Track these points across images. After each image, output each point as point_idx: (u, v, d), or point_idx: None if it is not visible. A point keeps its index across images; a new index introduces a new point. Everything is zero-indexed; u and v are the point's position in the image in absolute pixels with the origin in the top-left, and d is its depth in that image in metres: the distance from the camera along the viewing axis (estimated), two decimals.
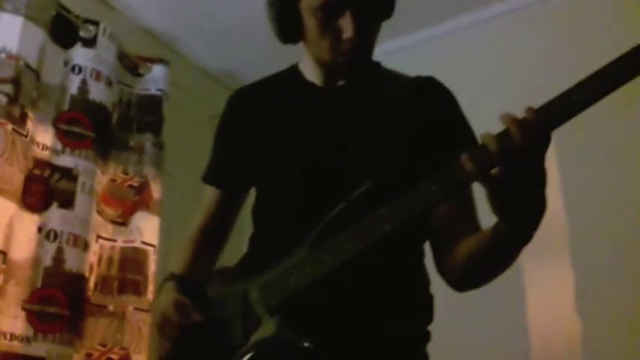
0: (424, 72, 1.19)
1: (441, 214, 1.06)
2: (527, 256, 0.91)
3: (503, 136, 0.78)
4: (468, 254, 0.99)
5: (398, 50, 2.53)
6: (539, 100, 0.83)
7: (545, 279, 2.15)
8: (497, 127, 0.83)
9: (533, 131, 0.77)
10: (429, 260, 1.11)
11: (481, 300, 1.33)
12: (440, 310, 1.10)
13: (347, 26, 1.02)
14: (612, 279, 2.03)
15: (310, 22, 1.05)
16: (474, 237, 0.99)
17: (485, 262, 0.97)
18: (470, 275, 1.02)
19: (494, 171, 0.79)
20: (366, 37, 1.06)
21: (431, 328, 1.07)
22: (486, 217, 1.02)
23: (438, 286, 1.10)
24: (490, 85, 2.47)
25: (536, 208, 0.84)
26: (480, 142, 0.82)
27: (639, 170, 2.09)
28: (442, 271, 1.07)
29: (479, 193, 1.04)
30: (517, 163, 0.78)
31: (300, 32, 1.09)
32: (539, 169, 0.81)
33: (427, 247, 1.12)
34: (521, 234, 0.87)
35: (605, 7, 2.32)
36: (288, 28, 1.09)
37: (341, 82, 1.14)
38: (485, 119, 1.23)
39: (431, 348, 1.06)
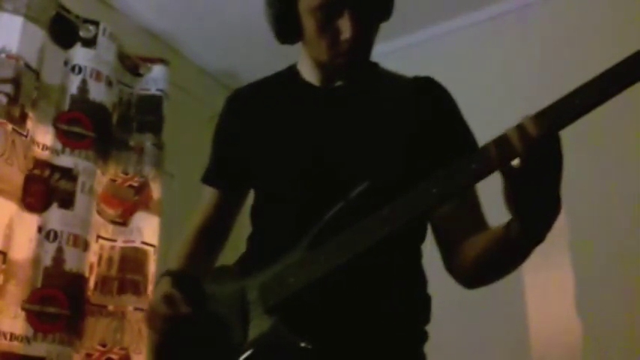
0: (423, 72, 1.19)
1: (448, 213, 1.06)
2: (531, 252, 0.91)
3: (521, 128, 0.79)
4: (479, 252, 0.98)
5: (398, 50, 2.53)
6: (537, 100, 0.83)
7: (545, 280, 2.15)
8: (496, 127, 0.83)
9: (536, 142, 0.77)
10: (426, 261, 1.11)
11: (481, 300, 1.33)
12: (440, 310, 1.10)
13: (345, 27, 1.02)
14: (612, 279, 2.03)
15: (309, 23, 1.05)
16: (483, 235, 0.99)
17: (497, 261, 0.97)
18: (480, 273, 1.02)
19: (514, 163, 0.79)
20: (365, 37, 1.06)
21: (431, 328, 1.07)
22: (491, 217, 1.03)
23: (437, 286, 1.10)
24: (489, 85, 2.47)
25: (551, 207, 0.83)
26: (479, 143, 0.82)
27: (639, 170, 2.09)
28: (450, 269, 1.07)
29: (482, 193, 1.04)
30: (539, 155, 0.78)
31: (298, 32, 1.08)
32: (557, 166, 0.80)
33: (425, 247, 1.12)
34: (534, 233, 0.86)
35: (603, 8, 2.32)
36: (286, 28, 1.09)
37: (339, 83, 1.14)
38: (484, 119, 1.24)
39: (431, 348, 1.06)
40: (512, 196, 0.83)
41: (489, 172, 0.82)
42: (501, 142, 0.80)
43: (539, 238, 0.87)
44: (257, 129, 1.16)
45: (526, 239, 0.88)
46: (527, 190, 0.81)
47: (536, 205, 0.83)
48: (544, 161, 0.79)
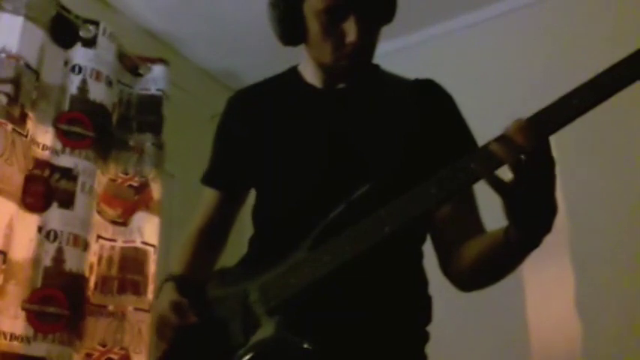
0: (424, 72, 1.19)
1: (445, 216, 1.06)
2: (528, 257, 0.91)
3: (505, 139, 0.78)
4: (475, 256, 0.99)
5: (398, 50, 2.53)
6: (537, 100, 0.83)
7: (545, 279, 2.15)
8: (497, 127, 0.83)
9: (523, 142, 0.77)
10: (426, 261, 1.11)
11: (481, 300, 1.33)
12: (440, 310, 1.10)
13: (351, 30, 1.01)
14: (612, 279, 2.03)
15: (313, 25, 1.05)
16: (480, 239, 0.99)
17: (494, 265, 0.97)
18: (477, 277, 1.02)
19: (507, 178, 0.79)
20: (369, 40, 1.06)
21: (431, 328, 1.07)
22: (490, 219, 1.03)
23: (438, 286, 1.10)
24: (489, 85, 2.47)
25: (548, 212, 0.84)
26: (480, 144, 0.82)
27: (639, 170, 2.09)
28: (447, 272, 1.07)
29: (481, 195, 1.04)
30: (525, 167, 0.78)
31: (302, 34, 1.08)
32: (549, 172, 0.80)
33: (425, 248, 1.12)
34: (532, 238, 0.86)
35: (603, 8, 2.32)
36: (290, 30, 1.09)
37: (341, 85, 1.14)
38: (484, 119, 1.24)
39: (431, 348, 1.06)
40: (508, 204, 0.82)
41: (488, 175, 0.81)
42: (485, 154, 0.80)
43: (534, 244, 0.87)
44: (259, 130, 1.16)
45: (523, 244, 0.88)
46: (522, 199, 0.81)
47: (533, 212, 0.83)
48: (535, 170, 0.79)
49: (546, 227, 0.85)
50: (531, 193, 0.80)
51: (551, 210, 0.84)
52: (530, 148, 0.77)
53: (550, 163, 0.80)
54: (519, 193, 0.80)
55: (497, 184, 0.80)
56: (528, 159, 0.78)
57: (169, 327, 1.04)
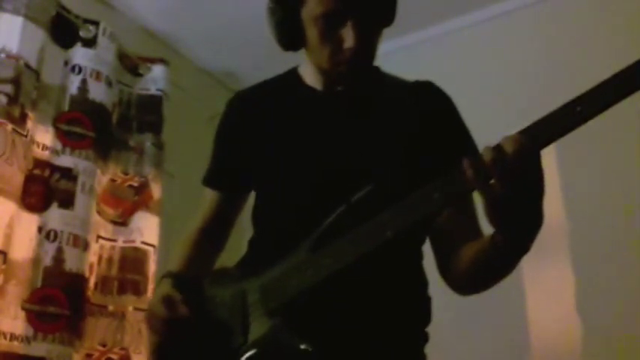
0: (424, 72, 1.19)
1: (444, 220, 1.06)
2: (527, 257, 0.90)
3: (498, 149, 0.78)
4: (468, 262, 0.99)
5: (398, 50, 2.53)
6: (537, 100, 0.83)
7: (545, 279, 2.15)
8: (497, 127, 0.83)
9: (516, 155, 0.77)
10: (427, 262, 1.11)
11: (481, 300, 1.33)
12: (440, 310, 1.10)
13: (348, 36, 1.01)
14: (612, 279, 2.03)
15: (311, 31, 1.05)
16: (474, 245, 0.99)
17: (485, 271, 0.97)
18: (471, 282, 1.02)
19: (492, 182, 0.79)
20: (367, 45, 1.06)
21: (430, 328, 1.07)
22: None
23: (437, 287, 1.10)
24: (489, 85, 2.47)
25: (532, 221, 0.83)
26: (479, 146, 0.81)
27: (639, 171, 2.09)
28: (444, 276, 1.07)
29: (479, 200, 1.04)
30: (511, 177, 0.77)
31: (301, 40, 1.08)
32: (536, 183, 0.80)
33: (426, 248, 1.12)
34: (517, 245, 0.86)
35: (604, 7, 2.32)
36: (289, 35, 1.09)
37: (341, 87, 1.13)
38: (484, 119, 1.24)
39: (431, 349, 1.06)
40: (491, 212, 0.82)
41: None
42: (475, 163, 0.79)
43: (522, 250, 0.87)
44: (259, 132, 1.16)
45: (510, 251, 0.88)
46: (506, 208, 0.80)
47: (517, 221, 0.82)
48: (520, 182, 0.78)
49: (530, 235, 0.84)
50: (516, 202, 0.79)
51: (536, 221, 0.83)
52: (519, 161, 0.76)
53: (538, 176, 0.79)
54: (503, 201, 0.79)
55: (485, 191, 0.80)
56: (516, 171, 0.77)
57: (157, 319, 1.04)
